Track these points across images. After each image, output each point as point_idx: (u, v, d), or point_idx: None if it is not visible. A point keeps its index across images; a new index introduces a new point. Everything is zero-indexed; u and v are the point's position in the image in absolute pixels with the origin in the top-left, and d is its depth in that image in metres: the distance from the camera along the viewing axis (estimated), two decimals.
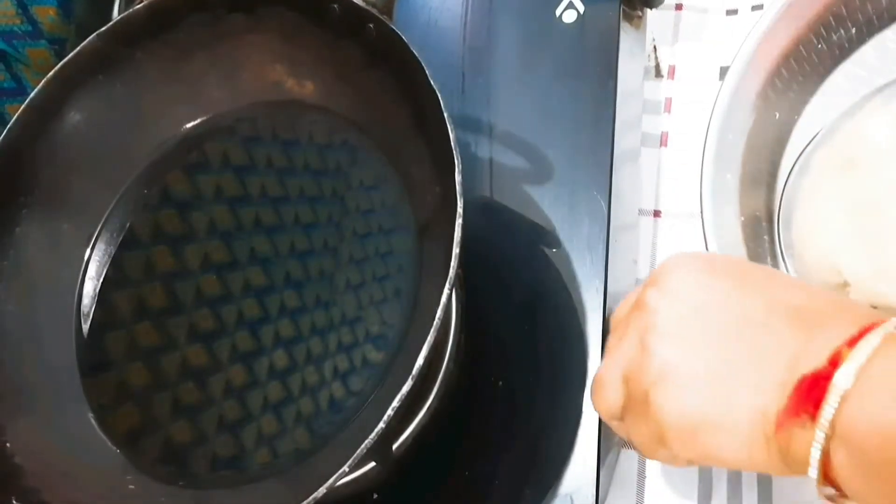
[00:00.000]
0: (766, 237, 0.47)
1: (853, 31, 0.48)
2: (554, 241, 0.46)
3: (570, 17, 0.50)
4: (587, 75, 0.48)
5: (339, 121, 0.43)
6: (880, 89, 0.45)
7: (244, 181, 0.43)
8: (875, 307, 0.43)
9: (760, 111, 0.47)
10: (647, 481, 0.48)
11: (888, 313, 0.42)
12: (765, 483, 0.45)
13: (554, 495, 0.41)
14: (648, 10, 0.52)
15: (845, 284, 0.43)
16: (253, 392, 0.39)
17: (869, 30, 0.48)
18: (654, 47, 0.56)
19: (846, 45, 0.48)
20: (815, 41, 0.48)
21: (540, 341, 0.44)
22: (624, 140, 0.48)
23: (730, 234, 0.46)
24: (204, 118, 0.44)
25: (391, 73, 0.39)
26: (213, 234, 0.42)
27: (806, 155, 0.46)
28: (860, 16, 0.48)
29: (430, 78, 0.36)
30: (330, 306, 0.40)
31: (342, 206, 0.42)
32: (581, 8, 0.50)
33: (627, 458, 0.48)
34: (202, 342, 0.40)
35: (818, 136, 0.46)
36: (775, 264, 0.47)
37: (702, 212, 0.45)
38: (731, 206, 0.46)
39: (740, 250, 0.46)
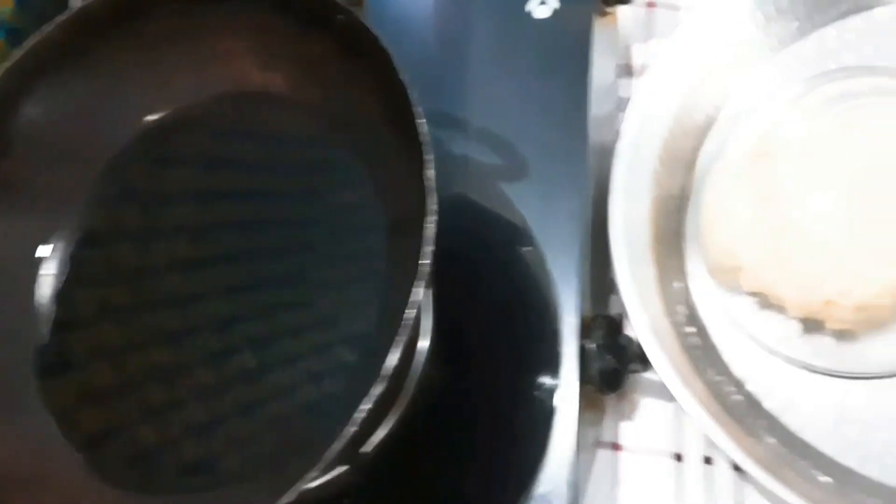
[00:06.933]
0: (676, 215, 0.48)
1: (796, 25, 0.49)
2: (529, 239, 0.45)
3: (542, 12, 0.50)
4: (560, 72, 0.48)
5: (309, 114, 0.42)
6: (804, 81, 0.46)
7: (210, 176, 0.42)
8: (763, 294, 0.43)
9: (686, 96, 0.49)
10: (622, 481, 0.48)
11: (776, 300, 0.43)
12: (739, 484, 0.45)
13: (529, 496, 0.40)
14: (621, 6, 0.52)
15: (738, 268, 0.43)
16: (222, 394, 0.38)
17: (812, 24, 0.49)
18: (627, 45, 0.56)
19: (787, 36, 0.49)
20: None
21: (515, 341, 0.44)
22: (599, 137, 0.48)
23: (639, 210, 0.47)
24: (169, 111, 0.43)
25: (361, 67, 0.38)
26: (178, 231, 0.41)
27: (721, 140, 0.47)
28: (803, 8, 0.48)
29: (400, 71, 0.35)
30: (300, 306, 0.39)
31: (312, 202, 0.41)
32: (554, 4, 0.49)
33: (603, 459, 0.47)
34: (168, 343, 0.39)
35: (736, 122, 0.47)
36: (679, 242, 0.48)
37: (611, 187, 0.46)
38: (644, 184, 0.47)
39: (646, 227, 0.46)
